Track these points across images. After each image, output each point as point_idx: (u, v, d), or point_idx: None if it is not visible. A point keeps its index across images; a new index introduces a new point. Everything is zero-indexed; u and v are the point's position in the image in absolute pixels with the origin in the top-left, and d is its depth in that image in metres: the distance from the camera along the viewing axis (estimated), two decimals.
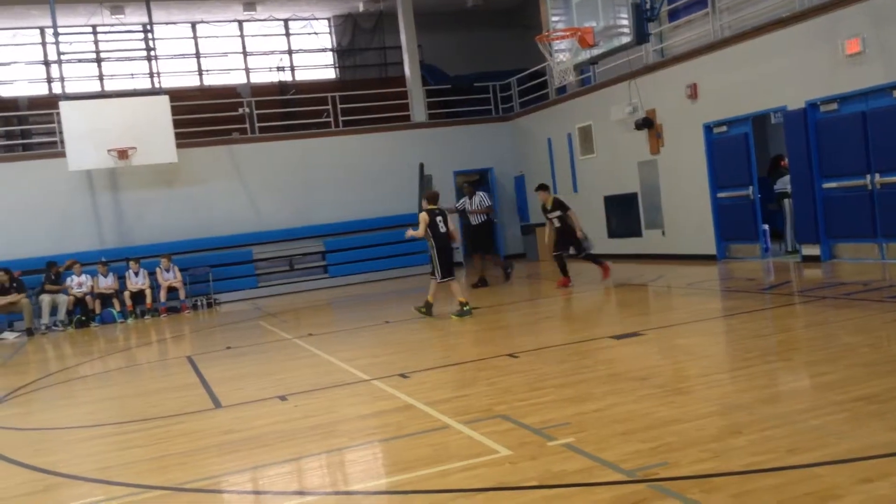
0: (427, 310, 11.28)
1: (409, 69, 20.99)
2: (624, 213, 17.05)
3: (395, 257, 18.89)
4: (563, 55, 13.44)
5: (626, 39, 12.30)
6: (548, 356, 7.55)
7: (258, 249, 18.49)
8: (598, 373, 6.61)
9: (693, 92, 14.55)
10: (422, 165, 19.98)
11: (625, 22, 12.42)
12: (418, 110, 20.95)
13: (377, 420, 5.95)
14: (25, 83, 21.57)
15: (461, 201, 15.14)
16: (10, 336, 15.11)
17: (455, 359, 7.97)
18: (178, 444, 5.88)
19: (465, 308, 10.92)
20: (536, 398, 5.89)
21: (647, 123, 15.69)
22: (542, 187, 13.61)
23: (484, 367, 7.41)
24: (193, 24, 22.78)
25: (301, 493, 4.55)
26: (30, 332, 15.27)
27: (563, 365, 7.03)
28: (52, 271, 15.93)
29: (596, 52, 12.89)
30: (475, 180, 21.93)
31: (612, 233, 17.57)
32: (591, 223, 18.03)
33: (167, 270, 16.56)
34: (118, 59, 21.62)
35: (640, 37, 12.26)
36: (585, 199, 18.21)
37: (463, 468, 4.46)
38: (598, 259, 13.55)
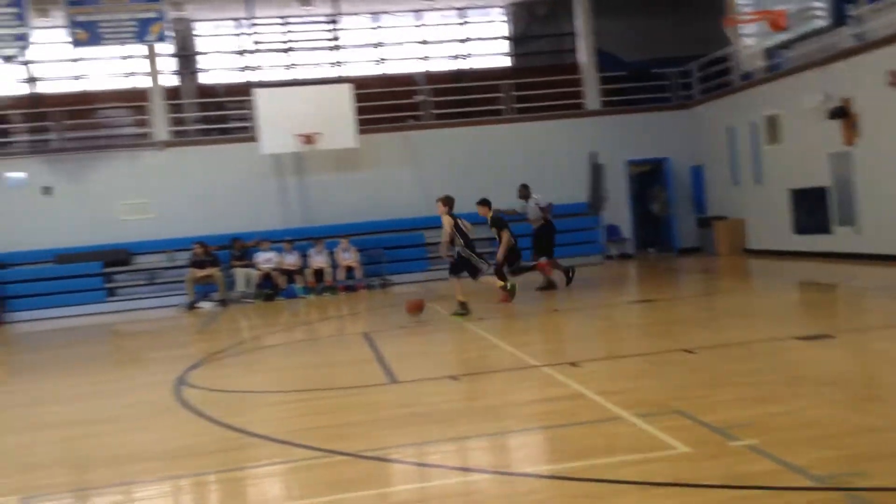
0: (512, 291, 11.45)
1: (584, 56, 20.72)
2: (812, 208, 15.99)
3: (565, 246, 18.75)
4: (751, 39, 12.78)
5: (821, 23, 11.55)
6: (727, 353, 7.25)
7: (430, 233, 18.93)
8: (783, 374, 6.27)
9: None
10: (593, 154, 19.66)
11: (820, 4, 11.65)
12: (592, 97, 20.64)
13: (546, 406, 5.95)
14: (223, 71, 23.16)
15: (521, 205, 14.50)
16: (206, 306, 16.40)
17: (628, 350, 7.83)
18: (356, 413, 6.16)
19: (463, 310, 10.96)
20: (716, 396, 5.67)
21: (842, 113, 14.60)
22: (483, 202, 12.87)
23: (658, 360, 7.22)
24: (375, 15, 23.57)
25: (471, 469, 4.65)
26: (223, 303, 16.51)
27: (745, 363, 6.72)
28: (236, 247, 17.14)
29: (787, 35, 12.17)
30: (646, 171, 21.34)
31: (799, 229, 16.53)
32: (776, 217, 17.08)
33: (345, 251, 17.36)
34: (306, 49, 22.76)
35: (838, 19, 11.47)
36: (770, 192, 17.24)
37: (637, 461, 4.38)
38: (524, 269, 13.16)
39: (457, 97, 21.39)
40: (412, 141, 19.67)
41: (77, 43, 16.84)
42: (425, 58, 24.04)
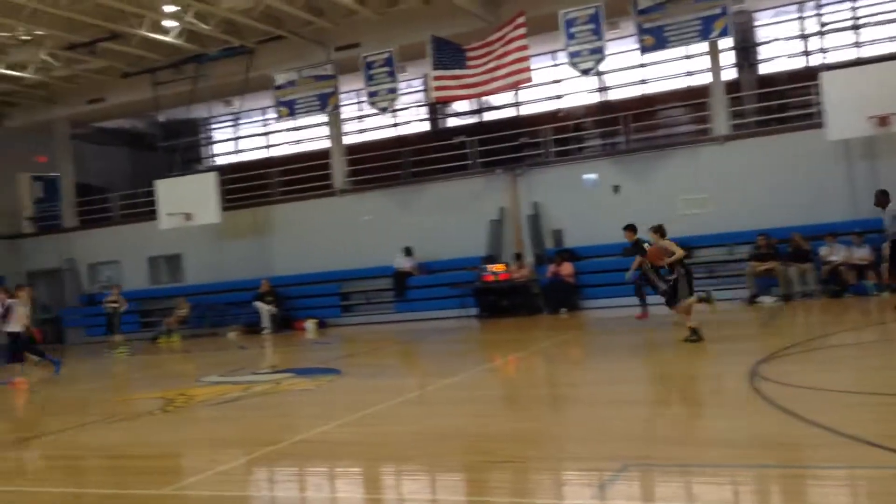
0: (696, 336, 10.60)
1: None
2: None
3: None
4: None
5: None
6: None
7: None
8: None
9: None
10: None
11: None
12: None
13: None
14: (784, 59, 22.33)
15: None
16: (767, 300, 16.05)
17: None
18: None
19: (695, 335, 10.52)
20: None
21: None
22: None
23: None
24: None
25: None
26: (786, 298, 15.98)
27: None
28: (792, 244, 16.36)
29: None
30: None
31: None
32: None
33: None
34: (878, 24, 20.68)
35: None
36: None
37: None
38: None
39: None
40: None
41: (645, 49, 17.97)
42: None
